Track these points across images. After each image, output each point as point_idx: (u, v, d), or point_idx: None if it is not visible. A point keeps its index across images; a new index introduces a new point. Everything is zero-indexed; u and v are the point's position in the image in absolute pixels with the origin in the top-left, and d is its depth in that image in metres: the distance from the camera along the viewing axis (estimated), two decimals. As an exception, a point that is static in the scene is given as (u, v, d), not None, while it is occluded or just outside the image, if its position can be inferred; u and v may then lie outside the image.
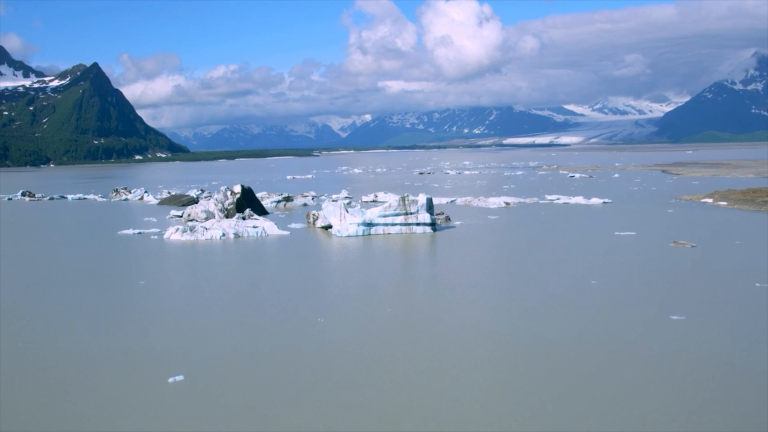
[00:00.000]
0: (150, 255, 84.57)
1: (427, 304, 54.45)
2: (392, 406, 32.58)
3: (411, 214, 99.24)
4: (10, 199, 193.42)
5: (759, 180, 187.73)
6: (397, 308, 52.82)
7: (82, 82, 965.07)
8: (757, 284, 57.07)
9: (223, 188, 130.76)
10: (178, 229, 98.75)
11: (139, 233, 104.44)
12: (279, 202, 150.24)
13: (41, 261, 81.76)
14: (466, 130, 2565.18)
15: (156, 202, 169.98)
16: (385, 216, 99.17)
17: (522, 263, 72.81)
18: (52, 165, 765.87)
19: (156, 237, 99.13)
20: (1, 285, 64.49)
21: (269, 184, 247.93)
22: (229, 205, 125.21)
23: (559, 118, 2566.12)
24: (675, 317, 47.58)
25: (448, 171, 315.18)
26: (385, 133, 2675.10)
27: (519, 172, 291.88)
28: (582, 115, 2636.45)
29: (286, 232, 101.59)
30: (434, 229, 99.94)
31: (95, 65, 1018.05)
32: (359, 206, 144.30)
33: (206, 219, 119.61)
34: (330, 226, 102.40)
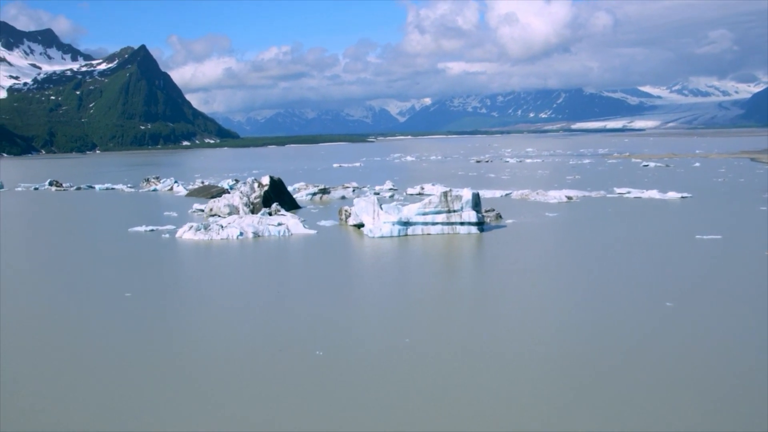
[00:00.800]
0: (153, 259, 78.72)
1: (459, 331, 46.23)
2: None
3: (454, 212, 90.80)
4: (36, 188, 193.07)
5: None
6: (417, 336, 44.81)
7: (129, 66, 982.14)
8: None
9: (249, 180, 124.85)
10: (191, 227, 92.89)
11: (152, 230, 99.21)
12: (314, 194, 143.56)
13: (28, 261, 76.90)
14: (531, 114, 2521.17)
15: (185, 193, 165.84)
16: (424, 214, 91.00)
17: (581, 276, 63.68)
18: (98, 151, 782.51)
19: (168, 236, 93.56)
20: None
21: (312, 174, 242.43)
22: (255, 198, 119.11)
23: (633, 100, 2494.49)
24: (777, 361, 38.21)
25: (508, 159, 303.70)
26: (446, 117, 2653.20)
27: (586, 161, 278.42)
28: (659, 97, 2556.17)
29: (313, 231, 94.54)
30: (481, 229, 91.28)
31: (143, 47, 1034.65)
32: (403, 199, 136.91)
33: (229, 214, 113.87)
34: (363, 225, 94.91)
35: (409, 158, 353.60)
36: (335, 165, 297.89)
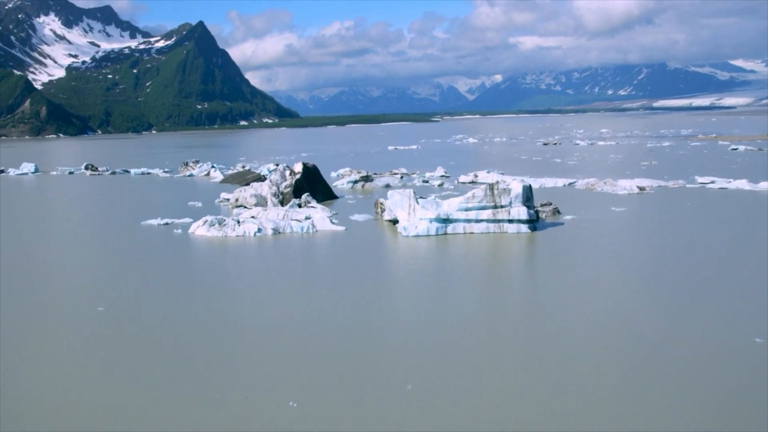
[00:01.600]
0: (156, 259, 72.62)
1: (496, 360, 37.77)
2: None
3: (502, 207, 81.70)
4: (71, 172, 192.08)
5: None
6: (447, 368, 36.55)
7: (186, 43, 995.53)
8: None
9: (281, 167, 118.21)
10: (206, 222, 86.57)
11: (166, 224, 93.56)
12: (356, 182, 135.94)
13: (17, 252, 71.68)
14: (609, 92, 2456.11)
15: (220, 179, 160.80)
16: (467, 209, 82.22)
17: (647, 293, 54.08)
18: (153, 131, 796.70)
19: (180, 231, 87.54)
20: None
21: (364, 157, 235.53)
22: (285, 188, 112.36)
23: (723, 75, 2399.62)
24: None
25: (579, 141, 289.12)
26: (517, 95, 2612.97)
27: (666, 143, 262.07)
28: (752, 71, 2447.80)
29: (341, 228, 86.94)
30: (533, 228, 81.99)
31: (200, 24, 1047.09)
32: (453, 188, 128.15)
33: (256, 205, 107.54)
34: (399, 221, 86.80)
35: (471, 140, 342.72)
36: (390, 148, 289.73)
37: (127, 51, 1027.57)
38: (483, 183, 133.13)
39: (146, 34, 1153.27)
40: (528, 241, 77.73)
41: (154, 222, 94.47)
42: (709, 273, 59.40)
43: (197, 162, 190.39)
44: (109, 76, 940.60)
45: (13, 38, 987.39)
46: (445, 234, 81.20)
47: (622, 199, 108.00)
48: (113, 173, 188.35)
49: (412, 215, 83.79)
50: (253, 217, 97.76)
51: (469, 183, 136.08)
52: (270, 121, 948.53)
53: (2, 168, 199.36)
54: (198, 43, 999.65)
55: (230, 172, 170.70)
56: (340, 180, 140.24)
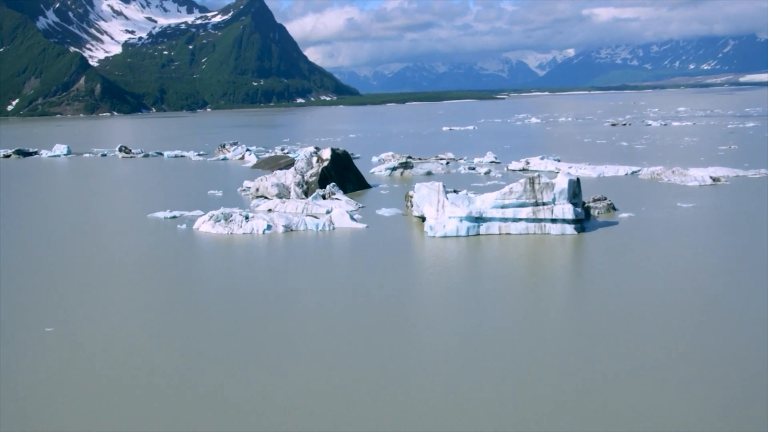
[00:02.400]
0: (146, 259, 66.99)
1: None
2: None
3: (544, 204, 73.27)
4: (104, 154, 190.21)
5: None
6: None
7: (243, 18, 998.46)
8: None
9: (307, 152, 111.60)
10: (212, 217, 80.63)
11: (173, 217, 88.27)
12: (394, 169, 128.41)
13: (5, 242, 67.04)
14: (691, 66, 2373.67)
15: (253, 163, 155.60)
16: (503, 207, 74.09)
17: (713, 314, 45.31)
18: (208, 109, 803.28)
19: (184, 226, 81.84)
20: None
21: (414, 139, 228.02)
22: (311, 176, 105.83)
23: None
24: None
25: (651, 122, 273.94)
26: (591, 70, 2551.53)
27: (750, 124, 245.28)
28: None
29: (361, 226, 79.79)
30: (580, 229, 73.33)
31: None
32: (500, 177, 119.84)
33: (277, 195, 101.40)
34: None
35: (533, 120, 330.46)
36: (445, 128, 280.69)
37: (183, 26, 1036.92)
38: (535, 171, 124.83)
39: (203, 9, 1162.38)
40: (573, 244, 69.32)
41: (161, 215, 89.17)
42: (787, 295, 50.12)
43: (236, 143, 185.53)
44: (165, 52, 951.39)
45: (71, 14, 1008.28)
46: (478, 235, 73.30)
47: (691, 192, 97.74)
48: (146, 156, 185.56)
49: (440, 212, 76.09)
50: (269, 210, 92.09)
51: (520, 171, 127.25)
52: (328, 98, 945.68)
53: (35, 150, 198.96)
54: (255, 18, 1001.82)
55: (267, 155, 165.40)
56: (379, 166, 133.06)
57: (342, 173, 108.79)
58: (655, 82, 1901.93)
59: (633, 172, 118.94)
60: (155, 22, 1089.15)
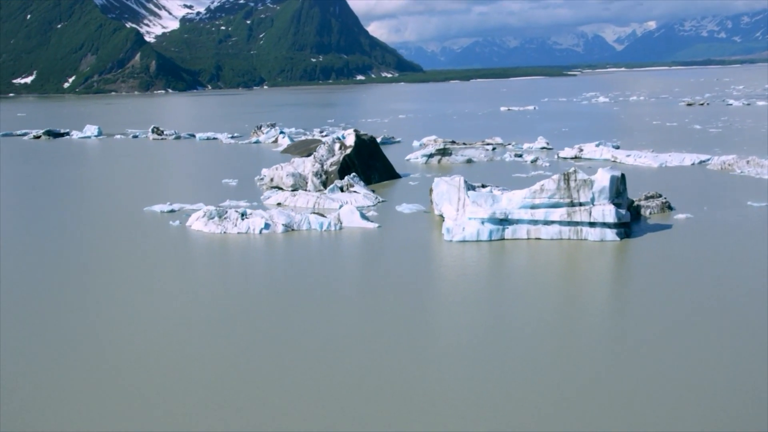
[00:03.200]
0: (117, 265, 61.06)
1: None
2: None
3: (581, 205, 64.68)
4: (135, 136, 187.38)
5: None
6: None
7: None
8: None
9: (329, 140, 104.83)
10: (206, 214, 74.51)
11: (171, 211, 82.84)
12: (431, 156, 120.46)
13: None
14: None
15: (284, 147, 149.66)
16: (533, 207, 65.78)
17: None
18: (265, 86, 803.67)
19: (177, 223, 76.23)
20: None
21: (466, 120, 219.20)
22: (331, 165, 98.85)
23: None
24: None
25: (732, 101, 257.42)
26: (673, 44, 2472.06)
27: None
28: None
29: (372, 225, 72.49)
30: (624, 234, 64.55)
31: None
32: (548, 165, 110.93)
33: (292, 187, 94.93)
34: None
35: (602, 99, 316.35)
36: (503, 108, 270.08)
37: (242, 1, 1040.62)
38: (589, 159, 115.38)
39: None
40: (614, 253, 60.75)
41: (158, 208, 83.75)
42: None
43: (274, 125, 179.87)
44: (222, 27, 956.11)
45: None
46: (502, 239, 65.29)
47: (765, 187, 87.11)
48: (177, 138, 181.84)
49: (460, 212, 68.30)
50: (279, 204, 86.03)
51: (571, 159, 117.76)
52: (389, 75, 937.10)
53: (67, 131, 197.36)
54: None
55: (300, 139, 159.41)
56: (416, 152, 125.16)
57: (367, 161, 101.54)
58: (745, 56, 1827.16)
59: (701, 162, 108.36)
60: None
